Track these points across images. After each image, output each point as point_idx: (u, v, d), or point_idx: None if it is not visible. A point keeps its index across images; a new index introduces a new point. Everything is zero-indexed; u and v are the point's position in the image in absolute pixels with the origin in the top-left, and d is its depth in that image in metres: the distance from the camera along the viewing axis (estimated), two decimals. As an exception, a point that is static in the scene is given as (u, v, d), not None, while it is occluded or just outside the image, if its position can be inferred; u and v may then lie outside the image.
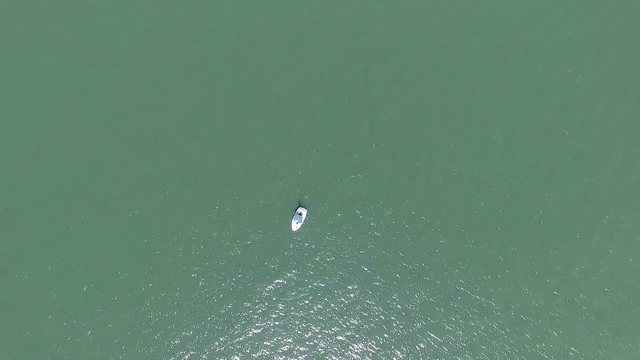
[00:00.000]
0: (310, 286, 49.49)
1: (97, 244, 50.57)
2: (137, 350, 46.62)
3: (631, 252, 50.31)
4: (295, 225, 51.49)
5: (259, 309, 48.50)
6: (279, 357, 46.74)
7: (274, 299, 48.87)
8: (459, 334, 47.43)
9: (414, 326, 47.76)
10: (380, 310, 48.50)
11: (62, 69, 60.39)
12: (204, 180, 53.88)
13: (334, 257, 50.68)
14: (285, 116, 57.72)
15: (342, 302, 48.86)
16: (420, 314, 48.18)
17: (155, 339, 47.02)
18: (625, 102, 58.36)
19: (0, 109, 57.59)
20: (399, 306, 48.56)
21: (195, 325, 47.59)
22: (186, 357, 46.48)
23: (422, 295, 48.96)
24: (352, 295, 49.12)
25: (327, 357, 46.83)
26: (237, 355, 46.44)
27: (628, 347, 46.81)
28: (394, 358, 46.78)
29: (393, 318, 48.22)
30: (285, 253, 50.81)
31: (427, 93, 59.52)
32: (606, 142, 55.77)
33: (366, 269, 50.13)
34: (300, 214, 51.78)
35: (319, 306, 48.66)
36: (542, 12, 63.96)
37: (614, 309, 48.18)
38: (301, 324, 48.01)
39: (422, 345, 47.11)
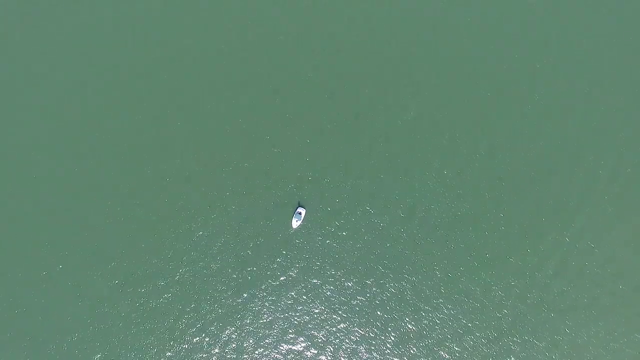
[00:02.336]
0: (307, 277, 53.46)
1: (119, 245, 55.02)
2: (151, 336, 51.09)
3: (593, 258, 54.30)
4: (295, 223, 55.60)
5: (262, 297, 52.53)
6: (278, 345, 50.85)
7: (276, 289, 52.91)
8: (442, 327, 51.25)
9: (402, 316, 51.77)
10: (369, 299, 52.45)
11: (61, 71, 65.37)
12: (213, 183, 58.16)
13: (329, 252, 54.66)
14: (289, 126, 62.02)
15: (335, 291, 52.77)
16: (406, 306, 52.16)
17: (169, 326, 51.50)
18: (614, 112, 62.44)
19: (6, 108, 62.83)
20: (384, 296, 52.51)
21: (204, 313, 51.78)
22: (194, 343, 50.79)
23: (405, 289, 52.89)
24: (344, 286, 53.06)
25: (324, 346, 50.88)
26: (243, 342, 50.65)
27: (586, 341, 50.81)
28: (387, 343, 50.79)
29: (381, 305, 52.25)
30: (286, 248, 54.91)
31: (426, 106, 63.80)
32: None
33: (357, 263, 54.11)
34: (300, 213, 55.88)
35: (316, 296, 52.60)
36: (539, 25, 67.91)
37: (575, 308, 52.13)
38: (299, 312, 52.01)
39: (409, 332, 51.00)
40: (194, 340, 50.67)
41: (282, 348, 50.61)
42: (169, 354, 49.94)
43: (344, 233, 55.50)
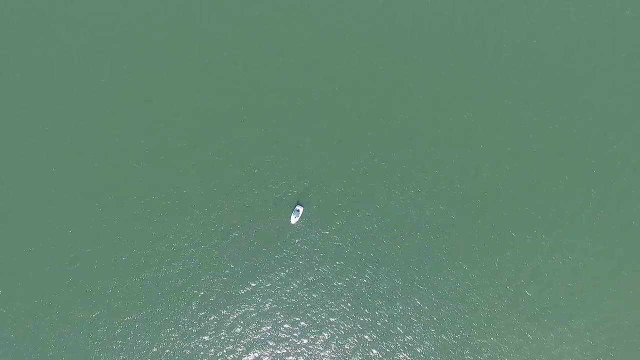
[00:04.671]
0: (303, 268, 58.69)
1: (128, 240, 60.02)
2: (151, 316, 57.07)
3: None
4: (294, 219, 60.53)
5: (262, 286, 58.00)
6: (274, 334, 56.97)
7: (276, 278, 58.22)
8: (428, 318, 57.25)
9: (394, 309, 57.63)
10: (357, 292, 58.15)
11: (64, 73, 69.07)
12: (217, 183, 62.78)
13: (325, 246, 59.68)
14: (290, 127, 66.18)
15: (329, 282, 58.11)
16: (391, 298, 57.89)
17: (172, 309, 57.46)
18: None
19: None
20: (368, 288, 58.14)
21: (206, 302, 57.49)
22: (195, 331, 56.88)
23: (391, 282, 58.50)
24: (336, 274, 58.45)
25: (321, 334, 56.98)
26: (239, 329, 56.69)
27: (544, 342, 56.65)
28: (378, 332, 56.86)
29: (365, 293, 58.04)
30: (285, 242, 60.07)
31: (422, 117, 67.83)
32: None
33: (347, 255, 59.39)
34: (298, 210, 60.69)
35: (310, 285, 57.92)
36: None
37: (537, 314, 57.60)
38: (295, 299, 57.63)
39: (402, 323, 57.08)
40: (196, 321, 56.69)
41: (277, 337, 56.59)
42: (170, 329, 56.12)
43: (338, 229, 60.51)
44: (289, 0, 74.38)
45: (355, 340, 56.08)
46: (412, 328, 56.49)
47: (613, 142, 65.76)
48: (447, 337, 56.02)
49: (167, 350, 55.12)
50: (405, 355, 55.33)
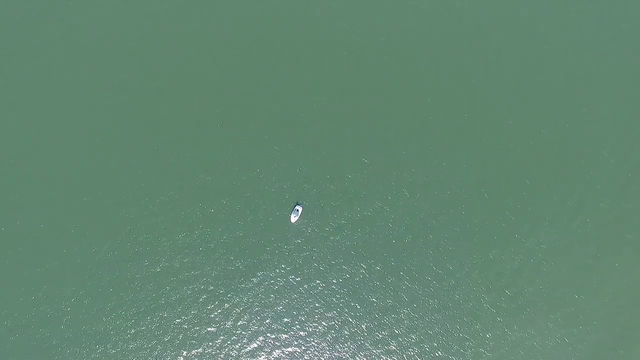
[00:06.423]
0: (301, 264, 59.72)
1: (140, 238, 60.73)
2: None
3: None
4: (293, 219, 61.41)
5: (261, 282, 58.98)
6: (273, 328, 57.57)
7: (275, 274, 59.22)
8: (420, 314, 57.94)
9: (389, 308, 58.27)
10: (351, 282, 58.84)
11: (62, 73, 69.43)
12: (219, 183, 63.69)
13: (323, 244, 60.74)
14: (288, 129, 66.96)
15: (326, 278, 59.09)
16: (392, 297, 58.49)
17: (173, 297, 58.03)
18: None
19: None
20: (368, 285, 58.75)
21: (207, 297, 58.16)
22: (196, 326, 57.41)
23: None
24: (334, 273, 59.37)
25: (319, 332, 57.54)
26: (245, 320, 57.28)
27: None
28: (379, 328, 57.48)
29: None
30: (284, 240, 61.00)
31: (423, 111, 68.31)
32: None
33: (346, 254, 60.35)
34: (298, 210, 61.55)
35: (309, 281, 59.00)
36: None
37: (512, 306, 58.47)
38: (296, 296, 58.58)
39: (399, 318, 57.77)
40: (201, 315, 57.39)
41: (278, 336, 57.32)
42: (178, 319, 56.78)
43: (336, 228, 61.51)
44: (290, 2, 74.74)
45: (354, 339, 56.72)
46: (400, 324, 57.33)
47: (610, 145, 66.07)
48: (433, 334, 56.91)
49: (176, 340, 56.17)
50: (394, 347, 56.31)
